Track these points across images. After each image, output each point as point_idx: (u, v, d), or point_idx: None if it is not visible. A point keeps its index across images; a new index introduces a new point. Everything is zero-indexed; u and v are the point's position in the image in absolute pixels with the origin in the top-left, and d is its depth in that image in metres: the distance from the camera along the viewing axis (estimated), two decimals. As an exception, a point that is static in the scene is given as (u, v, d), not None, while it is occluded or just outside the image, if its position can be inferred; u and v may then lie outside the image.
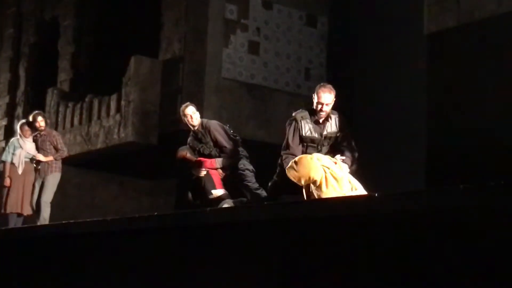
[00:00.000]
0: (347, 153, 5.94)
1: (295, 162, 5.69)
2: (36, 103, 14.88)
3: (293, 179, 5.69)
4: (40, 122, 9.01)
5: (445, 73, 9.41)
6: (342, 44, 13.03)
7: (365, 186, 5.77)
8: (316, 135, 5.97)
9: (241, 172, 7.24)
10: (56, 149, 8.97)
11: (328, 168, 5.62)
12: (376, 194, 3.73)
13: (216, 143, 7.39)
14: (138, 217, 5.85)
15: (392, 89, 11.71)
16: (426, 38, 9.78)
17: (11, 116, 15.99)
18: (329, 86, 5.94)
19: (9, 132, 15.18)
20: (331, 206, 4.19)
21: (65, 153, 9.07)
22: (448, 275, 3.39)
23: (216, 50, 12.27)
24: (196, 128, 7.42)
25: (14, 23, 16.54)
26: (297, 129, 5.97)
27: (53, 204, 9.39)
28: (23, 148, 9.11)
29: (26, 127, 9.16)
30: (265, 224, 4.44)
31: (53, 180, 8.97)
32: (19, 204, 9.08)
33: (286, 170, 5.74)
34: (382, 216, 3.70)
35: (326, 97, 5.84)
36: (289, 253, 4.21)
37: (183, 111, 7.43)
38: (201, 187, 7.38)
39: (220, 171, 7.41)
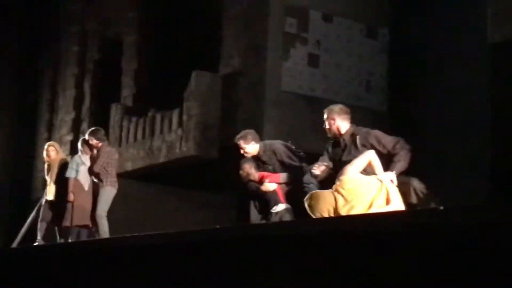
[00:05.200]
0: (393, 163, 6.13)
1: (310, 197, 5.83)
2: (100, 118, 15.18)
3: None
4: (93, 140, 9.27)
5: (510, 83, 9.20)
6: (404, 55, 12.89)
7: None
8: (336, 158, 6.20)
9: (306, 185, 7.22)
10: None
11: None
12: (441, 208, 3.68)
13: (282, 163, 7.40)
14: (200, 230, 5.88)
15: (455, 100, 11.52)
16: (490, 47, 9.60)
17: (76, 131, 16.36)
18: (332, 106, 6.64)
19: (75, 147, 15.49)
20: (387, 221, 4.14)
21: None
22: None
23: (276, 63, 12.29)
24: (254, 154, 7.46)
25: (78, 41, 16.96)
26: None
27: (116, 217, 9.54)
28: (86, 164, 9.31)
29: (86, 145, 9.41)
30: (326, 236, 4.42)
31: (108, 193, 9.18)
32: (85, 216, 9.23)
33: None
34: (444, 229, 3.63)
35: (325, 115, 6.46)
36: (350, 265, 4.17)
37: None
38: (264, 202, 7.39)
39: (284, 185, 7.40)
